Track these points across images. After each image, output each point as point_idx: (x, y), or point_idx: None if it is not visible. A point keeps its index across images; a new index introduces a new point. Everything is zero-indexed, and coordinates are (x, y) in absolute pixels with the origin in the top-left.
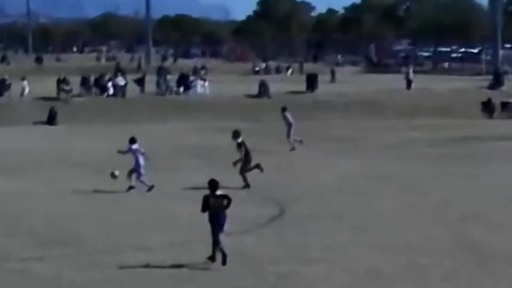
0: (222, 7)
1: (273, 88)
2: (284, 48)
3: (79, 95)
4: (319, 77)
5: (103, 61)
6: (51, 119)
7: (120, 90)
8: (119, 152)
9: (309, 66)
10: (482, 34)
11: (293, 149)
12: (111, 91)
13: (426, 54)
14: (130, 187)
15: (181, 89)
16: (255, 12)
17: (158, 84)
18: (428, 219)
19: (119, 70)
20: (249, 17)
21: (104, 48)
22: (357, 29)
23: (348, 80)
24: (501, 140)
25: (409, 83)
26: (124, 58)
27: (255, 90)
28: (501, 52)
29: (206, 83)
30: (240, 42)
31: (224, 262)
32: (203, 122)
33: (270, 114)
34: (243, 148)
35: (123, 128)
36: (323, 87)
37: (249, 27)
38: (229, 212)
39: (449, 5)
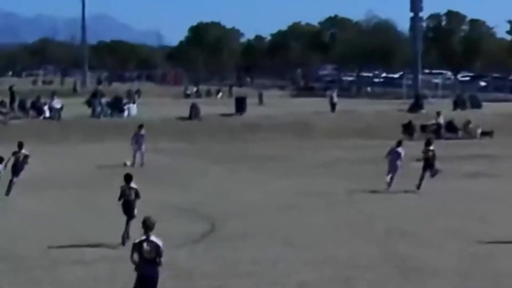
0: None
1: (204, 110)
2: (215, 73)
3: (16, 118)
4: (248, 100)
5: (39, 84)
6: None
7: (56, 113)
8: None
9: (238, 90)
10: (403, 60)
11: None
12: (47, 113)
13: (350, 78)
14: None
15: (115, 111)
16: (187, 38)
17: (93, 107)
18: (354, 234)
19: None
20: (181, 42)
21: (41, 72)
22: (284, 54)
23: (275, 103)
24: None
25: (333, 106)
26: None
27: (186, 112)
28: (420, 77)
29: (135, 105)
30: (173, 67)
31: (123, 243)
32: None
33: (201, 136)
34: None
35: (59, 148)
36: (252, 110)
37: (182, 53)
38: (163, 228)
39: (372, 32)
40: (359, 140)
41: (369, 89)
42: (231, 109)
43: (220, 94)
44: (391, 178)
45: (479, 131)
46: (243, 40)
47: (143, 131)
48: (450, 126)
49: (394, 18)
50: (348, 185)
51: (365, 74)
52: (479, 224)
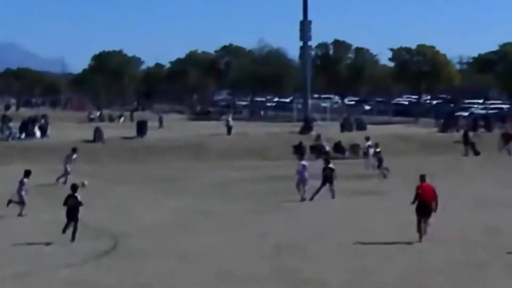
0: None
1: (107, 134)
2: (117, 98)
3: None
4: (148, 124)
5: None
6: None
7: None
8: None
9: (139, 114)
10: (294, 85)
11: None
12: None
13: (244, 103)
14: None
15: (23, 135)
16: (90, 65)
17: (1, 131)
18: (247, 251)
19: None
20: (84, 70)
21: None
22: (183, 80)
23: (174, 126)
24: (311, 179)
25: (229, 129)
26: None
27: (91, 135)
28: (310, 101)
29: (38, 129)
30: (77, 93)
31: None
32: (44, 164)
33: (105, 157)
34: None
35: None
36: (152, 133)
37: (85, 79)
38: (70, 245)
39: (264, 59)
40: (253, 161)
41: (262, 112)
42: (133, 132)
43: (122, 118)
44: (304, 191)
45: (371, 150)
46: (143, 67)
47: (75, 155)
48: (338, 147)
49: (285, 46)
50: (241, 204)
51: (258, 98)
52: (366, 238)
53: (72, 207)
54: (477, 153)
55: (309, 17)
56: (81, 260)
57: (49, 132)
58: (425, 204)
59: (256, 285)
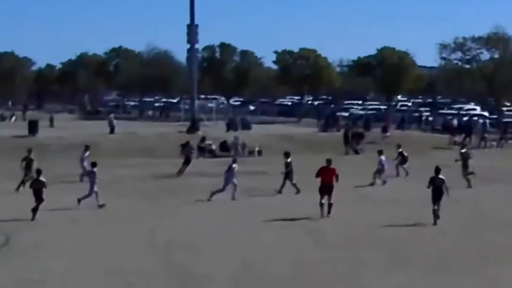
0: None
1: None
2: (8, 98)
3: None
4: (40, 123)
5: None
6: None
7: None
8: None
9: (30, 114)
10: (181, 86)
11: None
12: None
13: (133, 103)
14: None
15: None
16: None
17: None
18: (137, 246)
19: None
20: None
21: None
22: (73, 81)
23: (65, 126)
24: (199, 177)
25: (112, 128)
26: None
27: None
28: (197, 102)
29: None
30: None
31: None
32: None
33: None
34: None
35: None
36: (44, 132)
37: None
38: None
39: (152, 62)
40: (142, 159)
41: (150, 112)
42: (25, 131)
43: (14, 118)
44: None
45: (257, 149)
46: (35, 68)
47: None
48: (224, 146)
49: (172, 49)
50: (131, 201)
51: (147, 99)
52: (252, 234)
53: (37, 189)
54: (356, 152)
55: (196, 21)
56: None
57: None
58: (326, 184)
59: (146, 280)
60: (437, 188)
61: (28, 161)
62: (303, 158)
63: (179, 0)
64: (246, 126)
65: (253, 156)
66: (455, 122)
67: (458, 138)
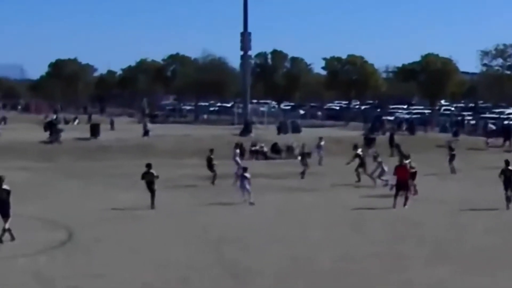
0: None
1: (62, 135)
2: (72, 102)
3: None
4: (102, 126)
5: None
6: None
7: None
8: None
9: (94, 117)
10: (235, 91)
11: None
12: None
13: (189, 107)
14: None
15: None
16: (47, 72)
17: None
18: (192, 241)
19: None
20: (42, 76)
21: None
22: (133, 86)
23: (125, 128)
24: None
25: (146, 132)
26: None
27: (47, 136)
28: (249, 106)
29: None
30: (34, 98)
31: (12, 237)
32: (3, 162)
33: (61, 156)
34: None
35: None
36: (105, 134)
37: (42, 85)
38: (26, 237)
39: (208, 68)
40: (196, 160)
41: (205, 116)
42: (87, 133)
43: (77, 121)
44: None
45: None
46: (96, 74)
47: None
48: (275, 148)
49: (226, 55)
50: (186, 199)
51: (202, 103)
52: (298, 231)
53: (150, 181)
54: (402, 153)
55: (249, 29)
56: (37, 250)
57: (6, 133)
58: (401, 180)
59: (200, 273)
60: (507, 178)
61: (209, 160)
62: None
63: (233, 9)
64: (296, 129)
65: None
66: (492, 126)
67: (492, 141)
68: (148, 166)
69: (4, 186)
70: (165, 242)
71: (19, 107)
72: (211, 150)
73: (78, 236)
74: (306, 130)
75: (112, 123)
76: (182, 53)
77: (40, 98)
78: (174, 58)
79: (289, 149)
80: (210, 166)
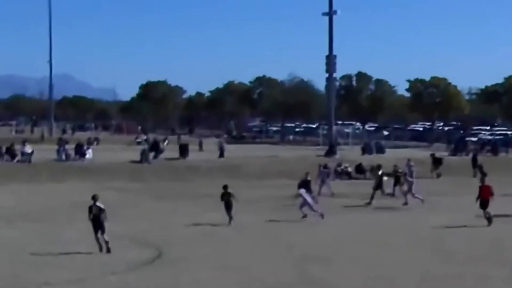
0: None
1: (152, 156)
2: (162, 123)
3: None
4: (190, 147)
5: (13, 133)
6: None
7: (27, 157)
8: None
9: (183, 138)
10: (320, 112)
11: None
12: (19, 157)
13: (275, 128)
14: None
15: (77, 156)
16: (138, 94)
17: (58, 152)
18: (277, 259)
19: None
20: (133, 98)
21: (13, 123)
22: (220, 108)
23: (213, 149)
24: (336, 198)
25: (221, 152)
26: (29, 131)
27: (137, 157)
28: (334, 127)
29: (90, 151)
30: (126, 118)
31: (108, 250)
32: (96, 182)
33: (150, 177)
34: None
35: (28, 187)
36: (193, 155)
37: (133, 106)
38: (117, 254)
39: (293, 90)
40: (283, 180)
41: (291, 137)
42: (176, 154)
43: (167, 141)
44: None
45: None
46: (185, 95)
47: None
48: (359, 169)
49: (312, 78)
50: (272, 218)
51: (288, 124)
52: (381, 250)
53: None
54: (484, 174)
55: (335, 51)
56: (126, 268)
57: (98, 154)
58: (484, 199)
59: None
60: None
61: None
62: (432, 180)
63: (319, 32)
64: (380, 150)
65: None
66: None
67: None
68: (225, 187)
69: (98, 204)
70: (251, 261)
71: (113, 127)
72: (307, 174)
73: (167, 254)
74: (390, 151)
75: (200, 144)
76: (269, 76)
77: (130, 119)
78: (261, 81)
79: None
80: (308, 187)
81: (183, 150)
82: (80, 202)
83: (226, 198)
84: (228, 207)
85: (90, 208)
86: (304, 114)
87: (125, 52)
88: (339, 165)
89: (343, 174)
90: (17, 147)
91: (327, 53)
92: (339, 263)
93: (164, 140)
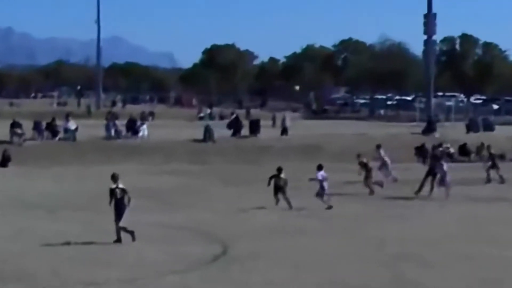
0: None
1: (217, 133)
2: (228, 95)
3: (31, 139)
4: (262, 123)
5: (54, 106)
6: (4, 162)
7: (70, 134)
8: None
9: (254, 112)
10: (416, 82)
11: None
12: (62, 135)
13: (362, 101)
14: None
15: (129, 133)
16: (200, 60)
17: (107, 128)
18: (365, 258)
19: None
20: (195, 65)
21: (55, 94)
22: (298, 77)
23: (288, 126)
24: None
25: (284, 129)
26: (74, 104)
27: (200, 135)
28: (433, 100)
29: (144, 127)
30: (185, 89)
31: (133, 238)
32: (151, 164)
33: (216, 157)
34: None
35: (73, 170)
36: (265, 132)
37: (195, 75)
38: (175, 250)
39: (385, 55)
40: (371, 163)
41: (381, 111)
42: (245, 131)
43: (234, 116)
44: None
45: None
46: (257, 62)
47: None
48: (463, 150)
49: (407, 41)
50: (358, 208)
51: (378, 96)
52: (490, 249)
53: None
54: None
55: (434, 9)
56: (187, 266)
57: (153, 131)
58: None
59: None
60: None
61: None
62: None
63: None
64: (489, 127)
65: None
66: None
67: None
68: (279, 170)
69: (120, 185)
70: (332, 258)
71: (171, 100)
72: (359, 155)
73: (234, 249)
74: (500, 128)
75: (274, 119)
76: (356, 38)
77: (192, 89)
78: (346, 44)
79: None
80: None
81: (254, 127)
82: (133, 188)
83: (277, 183)
84: (279, 193)
85: (112, 191)
86: (397, 84)
87: (186, 12)
88: (439, 145)
89: (443, 156)
90: (59, 122)
91: (425, 11)
92: (438, 263)
93: (231, 115)
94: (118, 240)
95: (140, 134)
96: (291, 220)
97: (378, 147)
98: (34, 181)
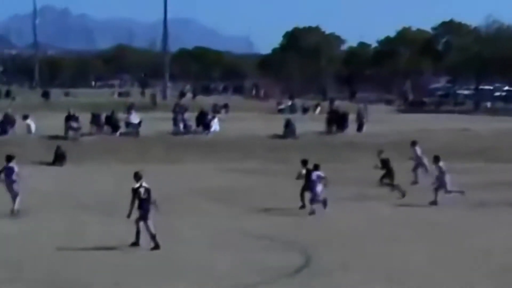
0: (245, 40)
1: (299, 128)
2: (312, 84)
3: (89, 134)
4: (350, 116)
5: (115, 96)
6: (57, 159)
7: (133, 128)
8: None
9: (341, 104)
10: None
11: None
12: (123, 129)
13: (466, 92)
14: None
15: (200, 127)
16: (281, 45)
17: (174, 122)
18: (468, 269)
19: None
20: (274, 50)
21: (116, 82)
22: (392, 64)
23: (381, 119)
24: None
25: (360, 124)
26: (137, 94)
27: (280, 129)
28: None
29: (216, 121)
30: (264, 77)
31: (137, 242)
32: (223, 163)
33: (297, 155)
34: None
35: (135, 168)
36: (354, 127)
37: (275, 61)
38: (252, 260)
39: (493, 38)
40: (474, 163)
41: (488, 104)
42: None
43: (319, 108)
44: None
45: None
46: (344, 47)
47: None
48: None
49: None
50: (458, 214)
51: (484, 87)
52: None
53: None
54: None
55: None
56: (267, 280)
57: (227, 125)
58: None
59: None
60: None
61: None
62: None
63: None
64: None
65: None
66: None
67: None
68: (304, 162)
69: (144, 184)
70: (434, 270)
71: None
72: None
73: (318, 260)
74: None
75: (359, 114)
76: (458, 20)
77: (271, 78)
78: (447, 27)
79: None
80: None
81: (340, 121)
82: (204, 189)
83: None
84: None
85: (136, 191)
86: (507, 73)
87: None
88: None
89: None
90: (121, 115)
91: None
92: None
93: (316, 107)
94: (141, 243)
95: (212, 128)
96: (382, 227)
97: (414, 144)
98: (91, 181)
